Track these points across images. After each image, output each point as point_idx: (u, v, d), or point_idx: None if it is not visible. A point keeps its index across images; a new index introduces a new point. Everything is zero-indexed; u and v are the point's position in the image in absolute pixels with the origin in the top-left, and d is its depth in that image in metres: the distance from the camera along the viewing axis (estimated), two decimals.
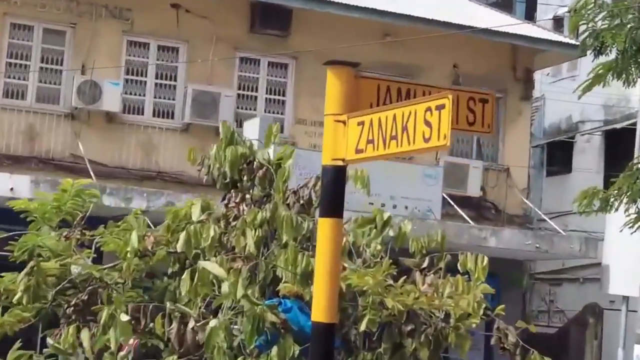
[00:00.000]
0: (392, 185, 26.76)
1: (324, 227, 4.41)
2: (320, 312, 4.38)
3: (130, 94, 28.99)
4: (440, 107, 3.72)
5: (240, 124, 26.50)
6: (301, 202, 5.41)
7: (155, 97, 29.33)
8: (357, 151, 4.29)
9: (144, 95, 29.20)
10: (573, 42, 29.79)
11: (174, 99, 28.52)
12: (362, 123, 4.24)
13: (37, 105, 27.71)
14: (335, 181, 4.42)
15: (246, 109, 27.67)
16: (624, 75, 15.95)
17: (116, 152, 28.07)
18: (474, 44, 30.21)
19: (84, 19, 27.72)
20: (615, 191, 16.55)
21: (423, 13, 29.76)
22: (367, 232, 5.59)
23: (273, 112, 28.93)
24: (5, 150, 26.41)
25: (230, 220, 5.62)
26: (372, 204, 26.20)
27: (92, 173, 25.45)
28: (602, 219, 27.75)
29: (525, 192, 30.96)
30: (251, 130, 25.98)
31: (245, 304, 5.00)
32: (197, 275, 5.04)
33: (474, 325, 5.31)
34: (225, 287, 5.07)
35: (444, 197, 27.98)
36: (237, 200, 5.58)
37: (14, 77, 27.56)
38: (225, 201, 5.88)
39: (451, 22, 29.68)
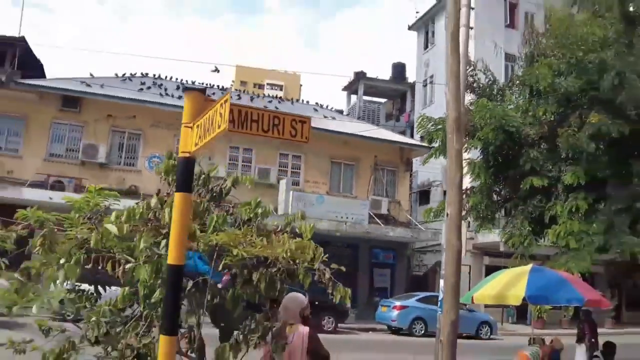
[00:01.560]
0: (345, 208, 25.70)
1: (178, 198, 3.49)
2: (172, 256, 3.44)
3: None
4: (225, 102, 3.06)
5: (278, 181, 25.33)
6: (213, 194, 3.67)
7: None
8: (195, 145, 3.46)
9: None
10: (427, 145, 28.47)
11: (249, 172, 26.15)
12: (198, 125, 3.47)
13: None
14: (185, 167, 3.57)
15: (282, 176, 26.04)
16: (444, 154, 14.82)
17: None
18: (385, 146, 28.84)
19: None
20: (441, 208, 15.21)
21: (365, 133, 28.27)
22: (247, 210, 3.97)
23: (293, 177, 27.46)
24: None
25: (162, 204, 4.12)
26: (336, 216, 24.56)
27: None
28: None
29: (408, 212, 29.60)
30: (283, 184, 25.01)
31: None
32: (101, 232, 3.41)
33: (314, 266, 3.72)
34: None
35: (369, 214, 26.31)
36: (169, 192, 4.05)
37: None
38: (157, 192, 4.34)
39: (374, 137, 28.21)
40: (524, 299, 9.23)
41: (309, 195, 26.02)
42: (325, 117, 29.98)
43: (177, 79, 31.17)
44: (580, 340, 12.00)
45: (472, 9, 9.75)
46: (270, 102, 32.40)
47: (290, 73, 64.35)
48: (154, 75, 30.58)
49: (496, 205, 14.81)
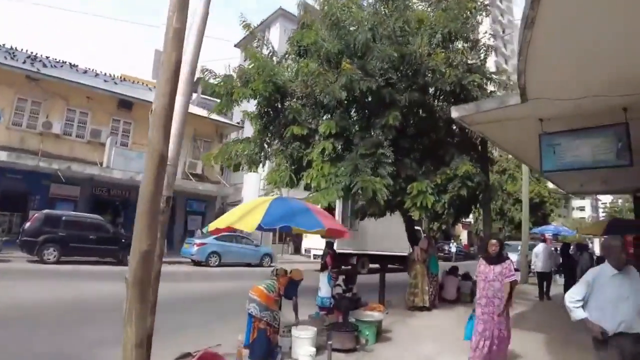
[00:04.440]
0: None
1: None
2: None
3: None
4: None
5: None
6: None
7: None
8: None
9: None
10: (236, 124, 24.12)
11: (84, 132, 19.35)
12: None
13: None
14: None
15: (114, 137, 19.71)
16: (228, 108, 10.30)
17: None
18: (203, 122, 23.70)
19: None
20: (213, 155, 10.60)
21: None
22: None
23: (124, 139, 21.06)
24: None
25: None
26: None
27: None
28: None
29: (220, 174, 24.29)
30: (108, 141, 18.88)
31: None
32: None
33: None
34: None
35: (187, 173, 21.15)
36: None
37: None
38: None
39: (193, 112, 22.80)
40: (259, 226, 5.27)
41: (129, 152, 19.98)
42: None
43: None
44: (323, 269, 8.46)
45: None
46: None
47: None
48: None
49: (265, 152, 10.76)
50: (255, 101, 10.19)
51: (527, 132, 6.32)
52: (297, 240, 27.67)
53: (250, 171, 10.90)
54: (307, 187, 9.64)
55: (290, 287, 5.82)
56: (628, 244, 18.44)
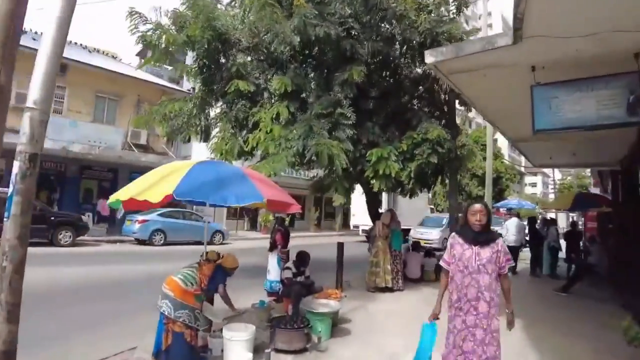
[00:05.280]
0: (100, 134, 18.38)
1: None
2: None
3: None
4: None
5: None
6: None
7: None
8: None
9: None
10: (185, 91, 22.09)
11: None
12: None
13: None
14: None
15: None
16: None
17: None
18: (149, 87, 21.40)
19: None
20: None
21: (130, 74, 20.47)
22: None
23: (57, 105, 18.45)
24: None
25: None
26: (89, 141, 17.19)
27: None
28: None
29: (166, 144, 22.09)
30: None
31: None
32: None
33: None
34: None
35: (129, 143, 19.14)
36: None
37: None
38: None
39: (138, 77, 20.58)
40: (171, 196, 3.84)
41: (63, 119, 17.54)
42: (90, 52, 21.68)
43: None
44: (272, 248, 7.21)
45: None
46: None
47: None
48: None
49: (207, 116, 9.19)
50: (194, 54, 8.58)
51: (514, 84, 5.19)
52: (254, 215, 26.16)
53: (197, 140, 9.33)
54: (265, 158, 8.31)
55: (218, 277, 4.49)
56: (589, 218, 18.33)
